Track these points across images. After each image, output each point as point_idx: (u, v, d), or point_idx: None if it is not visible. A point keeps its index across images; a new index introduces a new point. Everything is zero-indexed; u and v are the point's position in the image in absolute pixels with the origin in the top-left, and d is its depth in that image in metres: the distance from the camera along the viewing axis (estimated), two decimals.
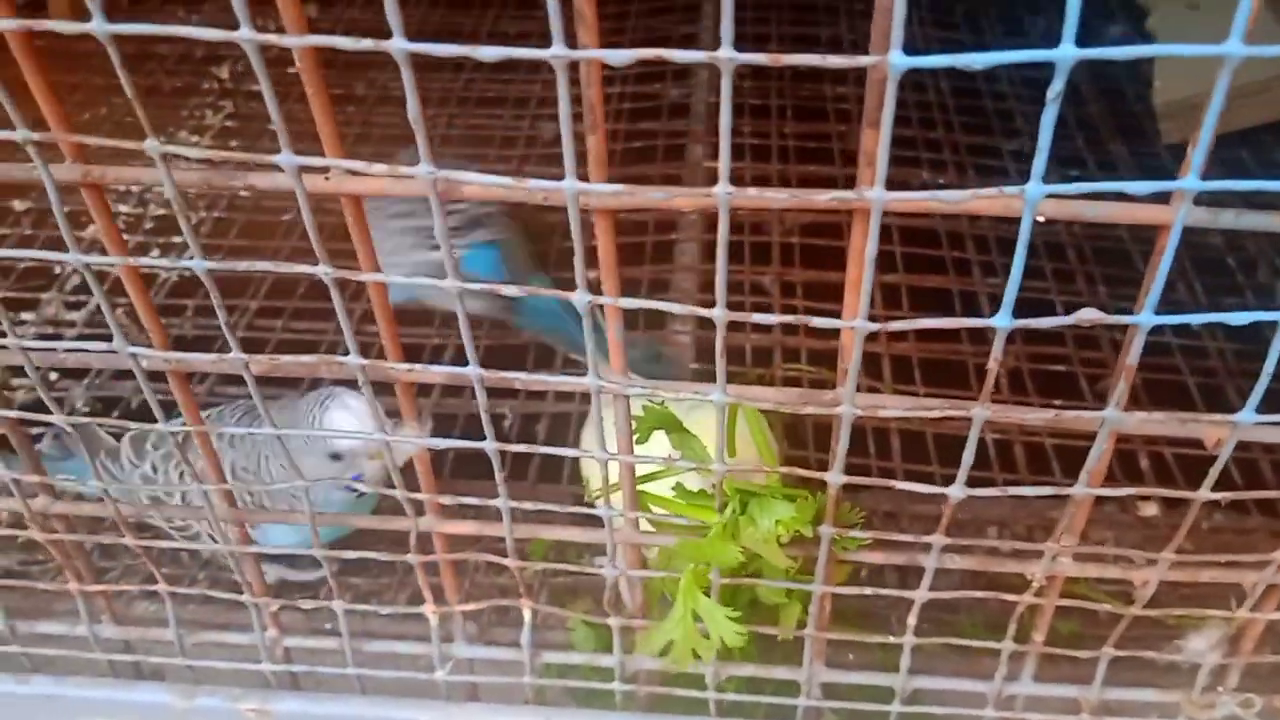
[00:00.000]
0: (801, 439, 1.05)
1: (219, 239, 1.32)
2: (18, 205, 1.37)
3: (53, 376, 1.15)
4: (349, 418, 0.80)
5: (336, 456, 0.82)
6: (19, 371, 1.09)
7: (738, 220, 1.30)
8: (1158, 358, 1.16)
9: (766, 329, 1.18)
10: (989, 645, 0.63)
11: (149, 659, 0.72)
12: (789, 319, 0.45)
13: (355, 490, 0.83)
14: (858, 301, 0.48)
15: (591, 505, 0.64)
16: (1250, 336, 1.20)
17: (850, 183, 0.44)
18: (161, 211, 1.38)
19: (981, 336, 1.19)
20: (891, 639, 0.63)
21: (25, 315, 1.22)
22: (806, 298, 1.20)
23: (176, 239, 1.32)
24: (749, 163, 1.44)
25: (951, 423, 1.09)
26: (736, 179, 0.40)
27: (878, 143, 0.42)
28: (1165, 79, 1.51)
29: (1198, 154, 0.40)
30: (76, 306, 1.23)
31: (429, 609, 0.65)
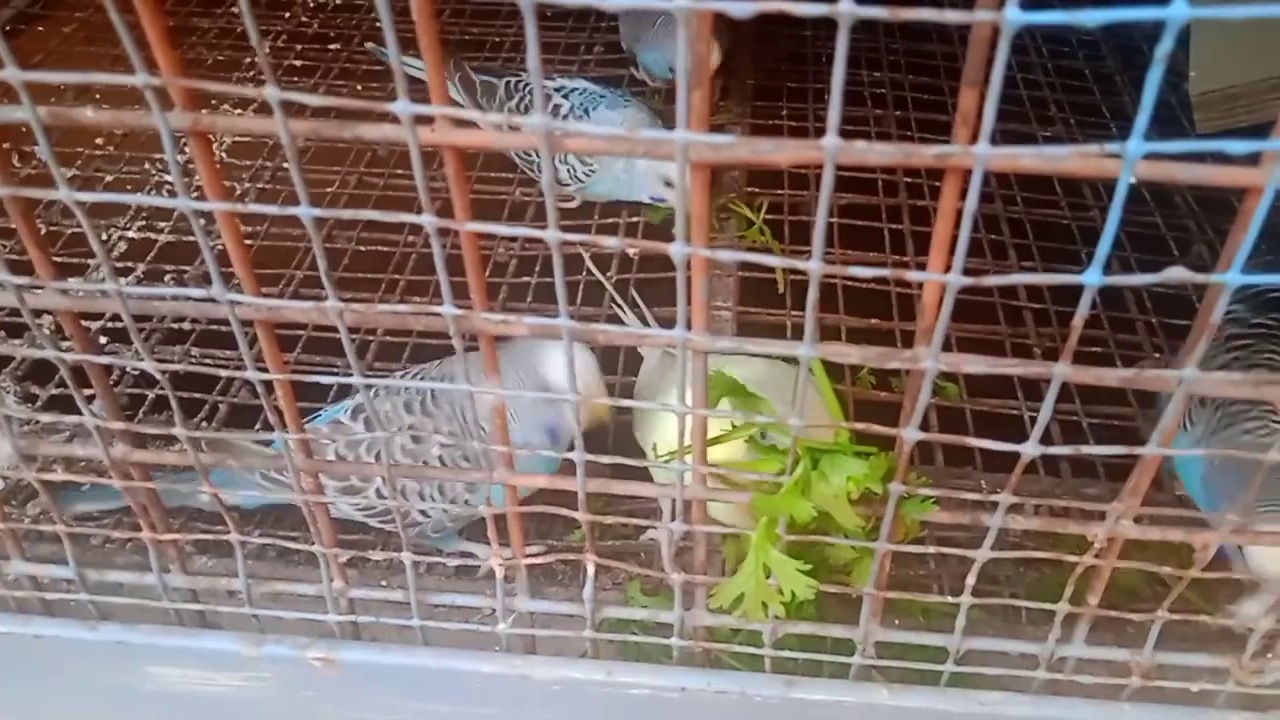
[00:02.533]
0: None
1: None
2: (65, 171, 1.38)
3: (102, 340, 1.16)
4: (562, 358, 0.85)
5: (546, 389, 0.86)
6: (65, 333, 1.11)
7: (776, 202, 1.31)
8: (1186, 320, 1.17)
9: (801, 307, 1.19)
10: (1045, 607, 0.64)
11: (215, 608, 0.73)
12: (884, 272, 0.46)
13: (554, 438, 0.89)
14: (943, 257, 0.50)
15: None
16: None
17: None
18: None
19: (1018, 318, 1.20)
20: (950, 598, 0.65)
21: (72, 280, 1.23)
22: (844, 276, 1.21)
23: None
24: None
25: (985, 399, 1.11)
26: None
27: (976, 103, 0.44)
28: (1201, 69, 1.51)
29: None
30: (124, 273, 1.25)
31: (495, 562, 0.67)
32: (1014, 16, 0.37)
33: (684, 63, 0.40)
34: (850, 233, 1.28)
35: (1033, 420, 1.08)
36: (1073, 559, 0.61)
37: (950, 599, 0.64)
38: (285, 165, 1.43)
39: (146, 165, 1.44)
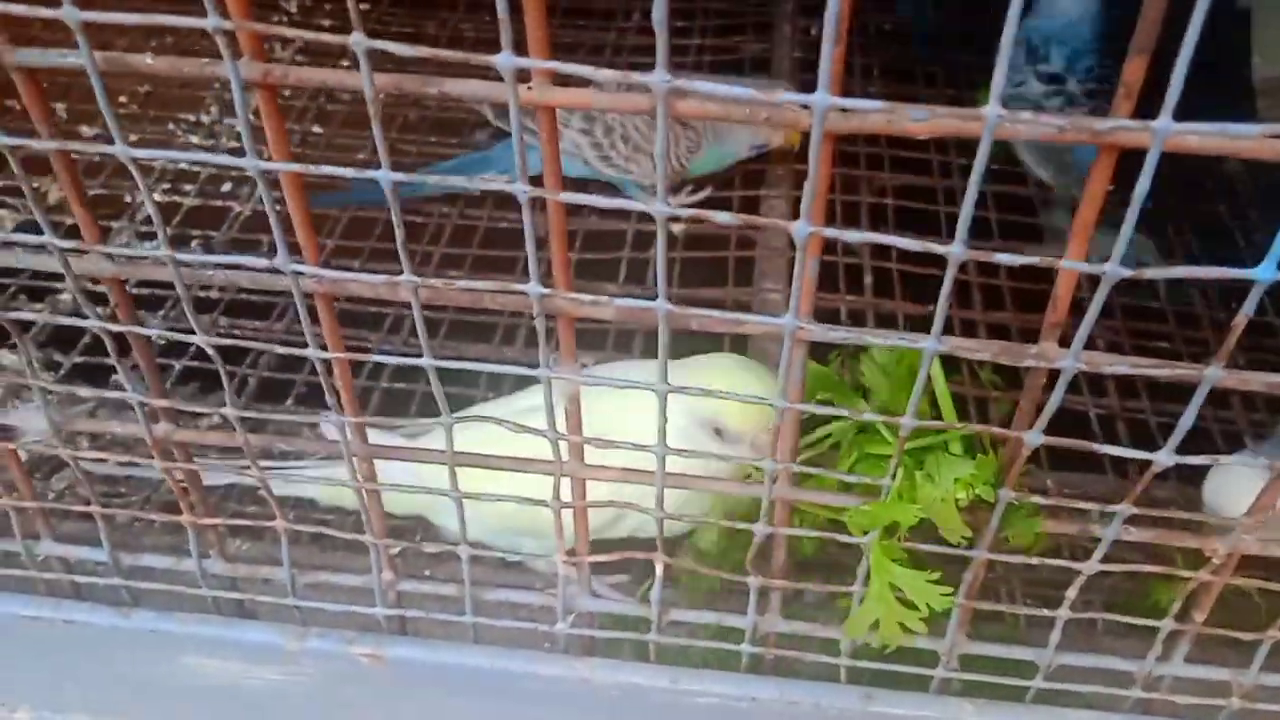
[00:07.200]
0: None
1: None
2: (85, 130, 1.33)
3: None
4: None
5: None
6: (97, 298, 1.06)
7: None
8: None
9: (859, 292, 1.15)
10: (1149, 623, 0.60)
11: (254, 597, 0.69)
12: (1034, 260, 0.42)
13: None
14: (1081, 247, 0.45)
15: None
16: None
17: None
18: (235, 145, 1.35)
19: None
20: (1046, 612, 0.60)
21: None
22: (900, 261, 1.16)
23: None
24: None
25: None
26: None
27: (1145, 73, 0.39)
28: (1265, 54, 1.46)
29: None
30: (149, 237, 1.20)
31: (560, 559, 0.62)
32: None
33: (834, 18, 0.35)
34: (904, 215, 1.24)
35: (1099, 417, 1.04)
36: (1186, 574, 0.57)
37: (1047, 612, 0.60)
38: (314, 130, 1.38)
39: (170, 126, 1.39)
